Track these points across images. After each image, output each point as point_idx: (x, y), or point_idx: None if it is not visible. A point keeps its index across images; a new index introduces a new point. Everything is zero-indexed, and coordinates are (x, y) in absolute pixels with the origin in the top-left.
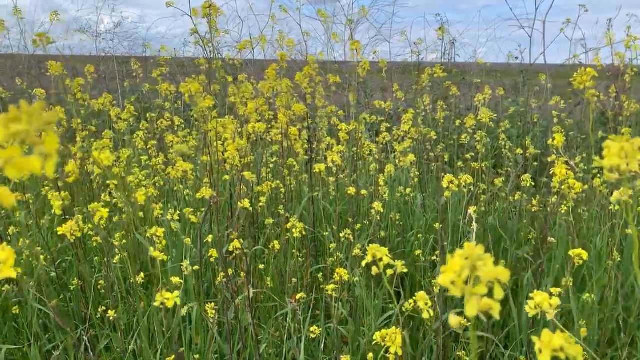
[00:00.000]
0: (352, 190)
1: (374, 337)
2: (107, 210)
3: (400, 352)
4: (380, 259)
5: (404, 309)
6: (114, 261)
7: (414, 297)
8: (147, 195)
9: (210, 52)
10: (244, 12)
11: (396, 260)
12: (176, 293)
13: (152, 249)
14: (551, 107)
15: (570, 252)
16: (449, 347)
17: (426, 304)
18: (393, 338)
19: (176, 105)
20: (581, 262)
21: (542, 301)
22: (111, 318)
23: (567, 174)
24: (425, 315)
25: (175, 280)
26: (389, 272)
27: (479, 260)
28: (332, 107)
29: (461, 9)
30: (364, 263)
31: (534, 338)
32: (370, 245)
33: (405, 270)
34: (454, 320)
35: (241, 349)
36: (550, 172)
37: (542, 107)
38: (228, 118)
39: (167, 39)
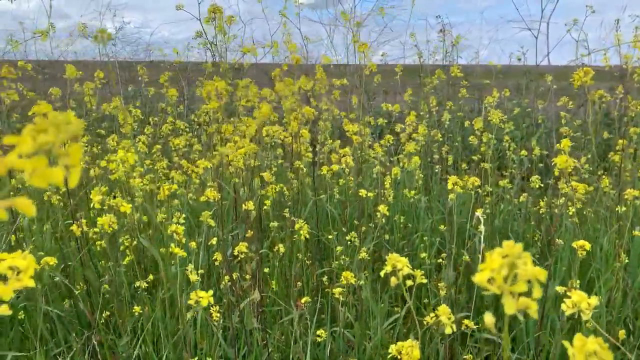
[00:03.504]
0: (363, 192)
1: (390, 351)
2: (130, 206)
3: None
4: (400, 269)
5: (424, 322)
6: (124, 262)
7: (429, 308)
8: (151, 198)
9: (213, 55)
10: (244, 15)
11: (415, 270)
12: (210, 292)
13: (173, 245)
14: (555, 108)
15: (574, 244)
16: (456, 350)
17: (449, 319)
18: (409, 351)
19: (179, 109)
20: (584, 253)
21: (580, 300)
22: (136, 314)
23: (567, 160)
24: (447, 330)
25: (193, 278)
26: (409, 282)
27: (519, 258)
28: (335, 109)
29: (462, 10)
30: (382, 273)
31: (566, 343)
32: (390, 255)
33: (425, 280)
34: (488, 319)
35: (246, 353)
36: (552, 162)
37: (546, 108)
38: (248, 118)
39: (171, 43)
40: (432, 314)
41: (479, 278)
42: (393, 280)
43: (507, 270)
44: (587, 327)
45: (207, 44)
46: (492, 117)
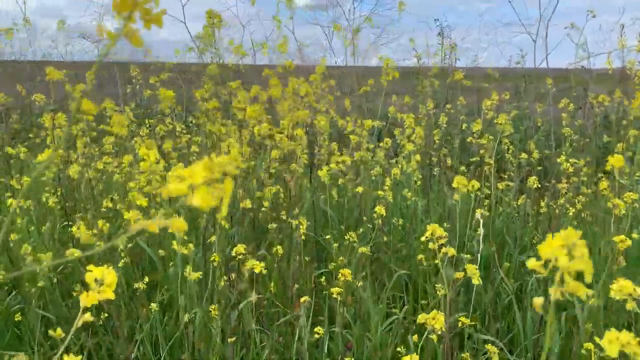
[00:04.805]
0: (360, 189)
1: (418, 319)
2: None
3: (444, 328)
4: (439, 238)
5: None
6: (119, 265)
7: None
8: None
9: (212, 58)
10: (244, 18)
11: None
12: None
13: (174, 242)
14: (554, 111)
15: (615, 238)
16: (454, 351)
17: (474, 273)
18: (437, 318)
19: (177, 110)
20: (624, 246)
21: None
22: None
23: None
24: (475, 281)
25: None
26: (444, 250)
27: (575, 245)
28: (332, 111)
29: (462, 12)
30: (422, 239)
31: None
32: (430, 224)
33: (455, 253)
34: (537, 302)
35: (244, 354)
36: (553, 164)
37: (545, 111)
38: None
39: (170, 44)
40: (460, 273)
41: (532, 262)
42: (431, 246)
43: (565, 252)
44: (586, 330)
45: (205, 49)
46: (499, 120)
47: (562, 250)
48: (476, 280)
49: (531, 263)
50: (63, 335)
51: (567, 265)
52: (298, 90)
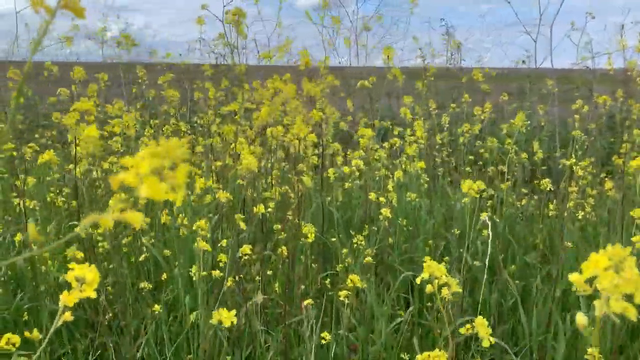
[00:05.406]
0: (373, 195)
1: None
2: None
3: None
4: (436, 278)
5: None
6: (140, 259)
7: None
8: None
9: (216, 58)
10: (249, 19)
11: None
12: (233, 312)
13: (199, 239)
14: (558, 111)
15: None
16: (460, 354)
17: (487, 332)
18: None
19: (181, 111)
20: None
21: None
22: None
23: None
24: (485, 344)
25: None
26: (444, 291)
27: (623, 261)
28: (337, 112)
29: (464, 13)
30: (418, 280)
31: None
32: (426, 261)
33: (460, 289)
34: (581, 320)
35: (250, 354)
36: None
37: (548, 112)
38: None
39: (173, 44)
40: (467, 326)
41: (576, 277)
42: (429, 288)
43: (613, 271)
44: (589, 330)
45: (227, 44)
46: (516, 120)
47: (607, 273)
48: (486, 343)
49: (574, 277)
50: (40, 337)
51: (612, 289)
52: (310, 90)
